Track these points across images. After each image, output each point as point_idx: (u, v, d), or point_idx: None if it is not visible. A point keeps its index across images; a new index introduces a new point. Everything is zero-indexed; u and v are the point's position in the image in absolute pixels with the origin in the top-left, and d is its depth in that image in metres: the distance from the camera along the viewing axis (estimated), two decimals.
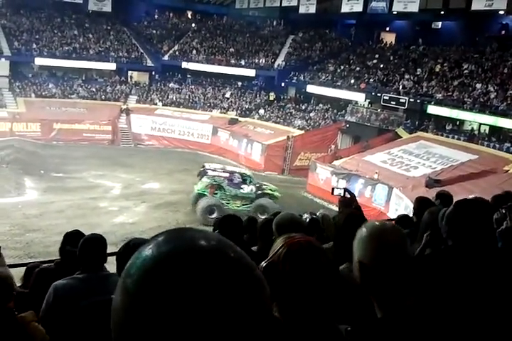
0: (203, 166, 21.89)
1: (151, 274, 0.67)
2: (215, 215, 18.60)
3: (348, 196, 5.73)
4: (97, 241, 3.42)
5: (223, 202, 20.82)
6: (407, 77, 31.49)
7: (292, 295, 1.42)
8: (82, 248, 3.37)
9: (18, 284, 4.44)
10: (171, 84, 39.53)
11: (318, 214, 5.27)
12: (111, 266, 3.41)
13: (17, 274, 4.71)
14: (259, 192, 21.41)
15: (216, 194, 21.03)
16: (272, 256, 1.52)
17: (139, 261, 0.70)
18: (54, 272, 4.00)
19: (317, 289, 1.44)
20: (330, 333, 1.44)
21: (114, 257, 3.01)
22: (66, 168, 26.05)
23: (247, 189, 21.29)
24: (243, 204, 21.25)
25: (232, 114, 36.02)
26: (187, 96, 38.25)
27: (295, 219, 3.22)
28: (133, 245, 2.68)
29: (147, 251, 0.70)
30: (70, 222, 18.58)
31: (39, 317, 3.13)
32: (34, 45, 37.07)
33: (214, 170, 21.39)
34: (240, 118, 35.14)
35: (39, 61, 36.72)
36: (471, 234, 2.17)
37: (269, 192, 21.62)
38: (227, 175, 21.32)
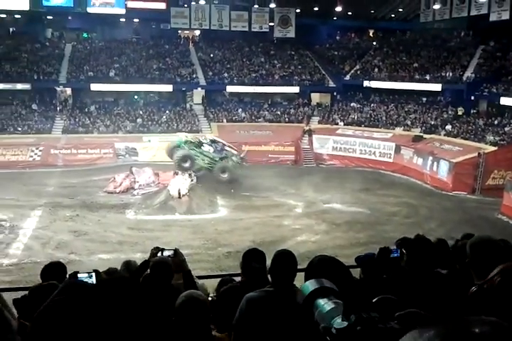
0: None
1: None
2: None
3: None
4: (289, 256, 3.48)
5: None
6: None
7: None
8: (274, 262, 3.44)
9: (213, 294, 4.77)
10: (353, 104, 39.61)
11: None
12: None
13: (210, 285, 5.11)
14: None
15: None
16: (486, 281, 1.46)
17: None
18: (239, 289, 4.19)
19: None
20: None
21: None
22: (254, 187, 27.51)
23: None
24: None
25: (416, 131, 34.73)
26: (368, 115, 37.94)
27: (492, 242, 2.93)
28: (319, 261, 2.83)
29: None
30: (257, 238, 19.58)
31: (232, 325, 3.30)
32: (225, 74, 40.27)
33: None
34: (425, 135, 33.69)
35: (230, 88, 39.87)
36: None
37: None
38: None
